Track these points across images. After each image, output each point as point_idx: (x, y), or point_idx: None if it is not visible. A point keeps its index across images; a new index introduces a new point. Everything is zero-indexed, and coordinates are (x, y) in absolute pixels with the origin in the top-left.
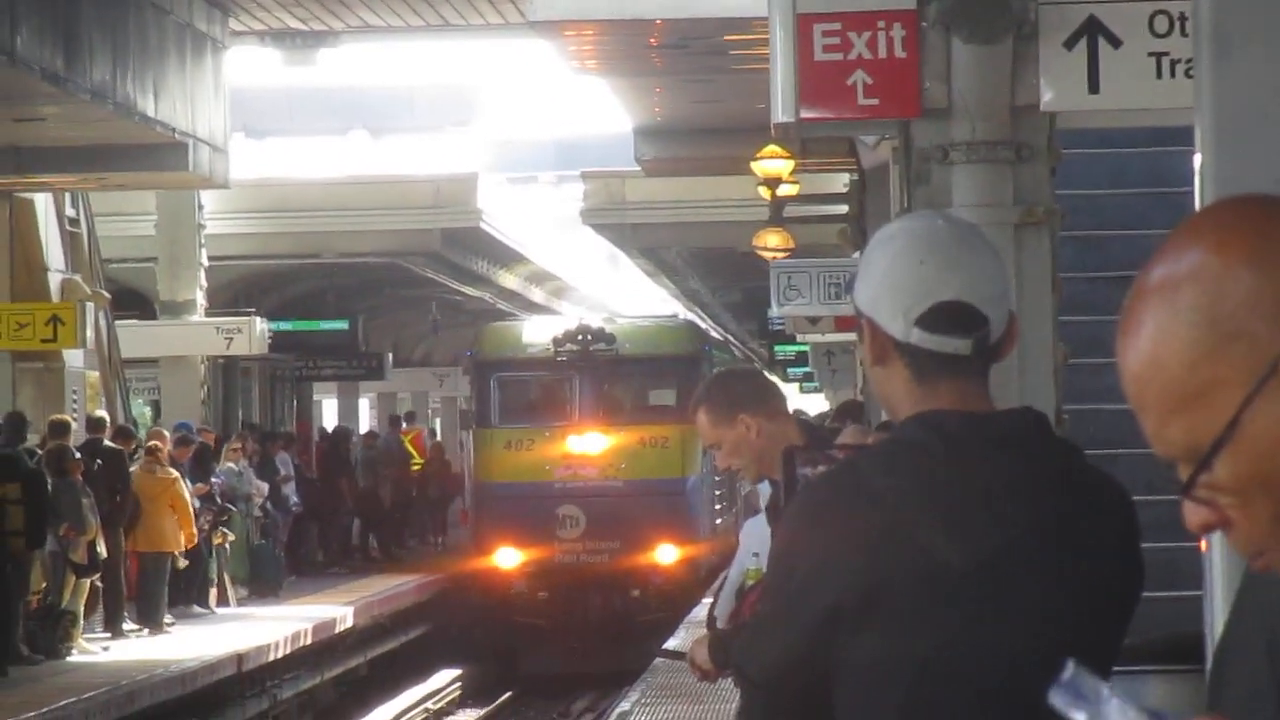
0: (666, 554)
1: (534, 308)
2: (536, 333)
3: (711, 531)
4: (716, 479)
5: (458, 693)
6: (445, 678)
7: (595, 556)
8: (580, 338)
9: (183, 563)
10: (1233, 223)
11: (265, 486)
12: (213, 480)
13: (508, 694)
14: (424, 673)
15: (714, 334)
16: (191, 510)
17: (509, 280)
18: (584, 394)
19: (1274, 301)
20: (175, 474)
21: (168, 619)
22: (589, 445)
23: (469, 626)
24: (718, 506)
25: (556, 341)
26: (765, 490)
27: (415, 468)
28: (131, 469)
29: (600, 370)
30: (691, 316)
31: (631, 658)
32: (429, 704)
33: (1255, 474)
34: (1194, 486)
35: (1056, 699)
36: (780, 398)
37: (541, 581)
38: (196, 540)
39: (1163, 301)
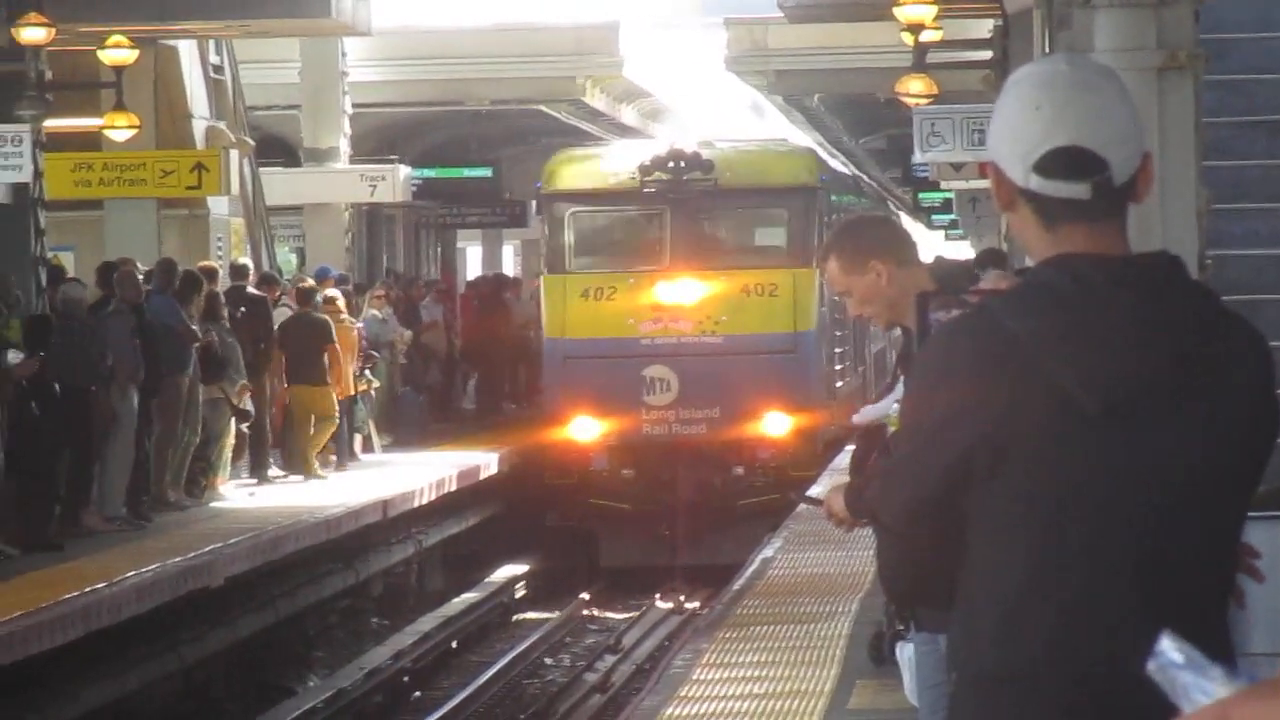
0: (776, 424)
1: None
2: (619, 160)
3: (831, 396)
4: (838, 334)
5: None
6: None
7: (689, 427)
8: (671, 165)
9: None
10: None
11: (409, 334)
12: (357, 326)
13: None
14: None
15: (840, 169)
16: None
17: (655, 129)
18: (676, 232)
19: None
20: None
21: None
22: (682, 294)
23: (540, 511)
24: (839, 367)
25: (643, 170)
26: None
27: None
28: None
29: (696, 204)
30: (809, 143)
31: (732, 548)
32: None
33: None
34: None
35: (1152, 669)
36: (912, 245)
37: (625, 457)
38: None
39: None
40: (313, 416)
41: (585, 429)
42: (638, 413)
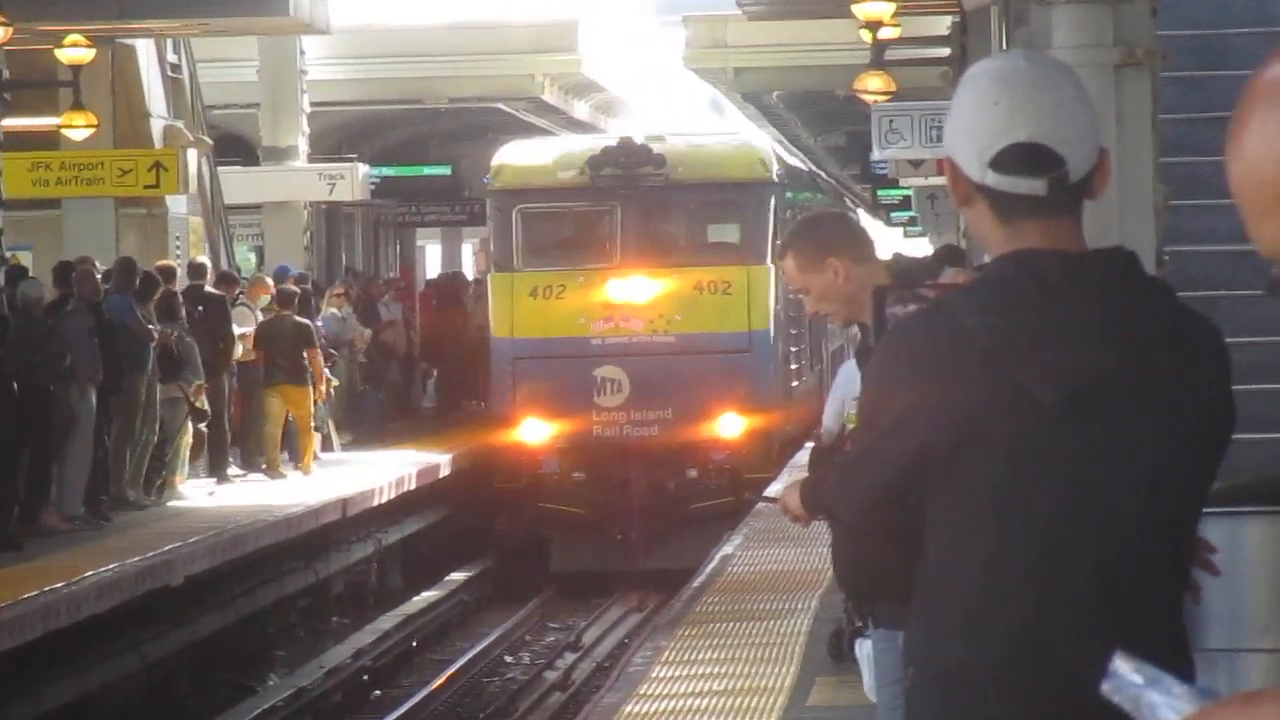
0: (730, 425)
1: None
2: (568, 153)
3: (786, 396)
4: (794, 332)
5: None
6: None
7: (641, 429)
8: (622, 159)
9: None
10: None
11: (368, 333)
12: (316, 324)
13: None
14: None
15: (797, 164)
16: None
17: (614, 125)
18: (627, 229)
19: None
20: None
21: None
22: (633, 292)
23: (490, 515)
24: (794, 366)
25: (593, 164)
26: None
27: None
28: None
29: (647, 199)
30: (768, 140)
31: (687, 553)
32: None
33: None
34: None
35: (1109, 691)
36: (869, 242)
37: (576, 460)
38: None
39: (1264, 104)
40: (288, 415)
41: (535, 431)
42: (589, 414)
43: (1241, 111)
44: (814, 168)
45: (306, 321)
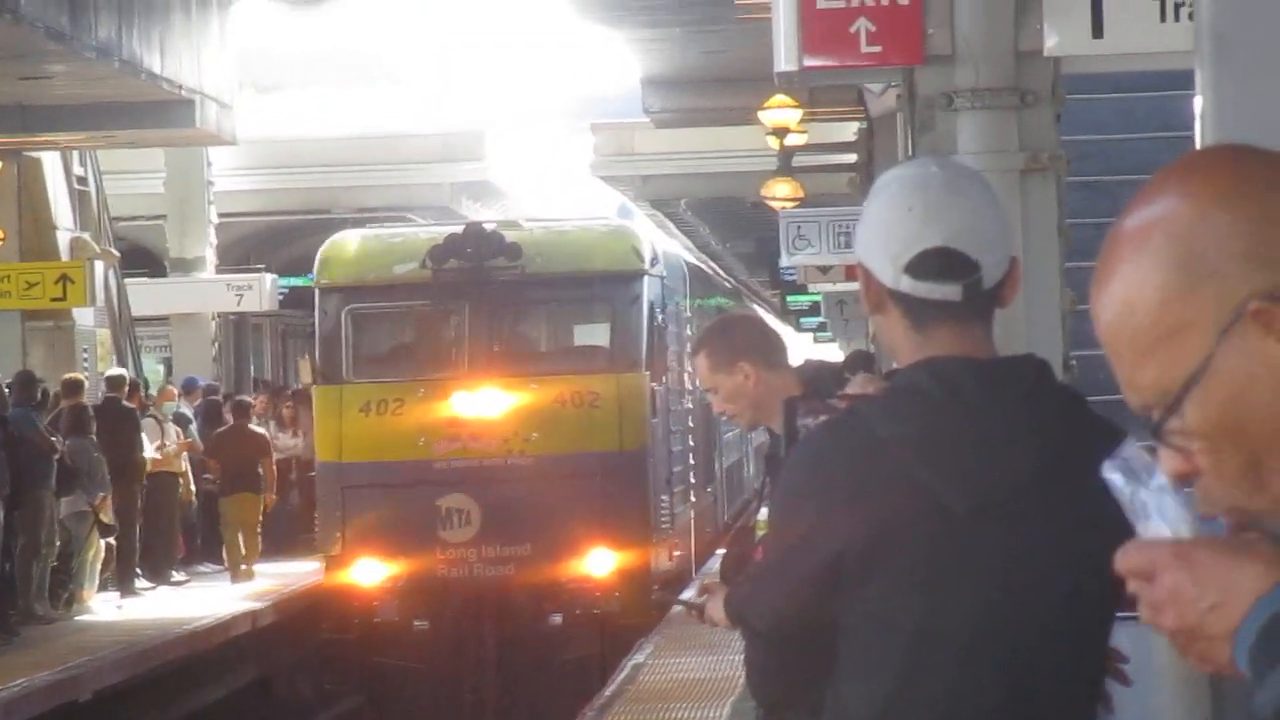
0: (600, 563)
1: None
2: (406, 243)
3: (668, 526)
4: (676, 450)
5: None
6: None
7: (495, 568)
8: (470, 250)
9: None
10: (1204, 167)
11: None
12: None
13: None
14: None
15: (690, 260)
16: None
17: None
18: (476, 331)
19: (1244, 242)
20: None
21: (180, 576)
22: (484, 406)
23: (315, 671)
24: (678, 489)
25: (434, 256)
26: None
27: None
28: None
29: (499, 296)
30: (676, 245)
31: (552, 713)
32: None
33: (1224, 419)
34: (1166, 432)
35: (1110, 471)
36: (782, 349)
37: (418, 606)
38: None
39: (1134, 246)
40: (242, 524)
41: (368, 572)
42: (432, 551)
43: (1108, 256)
44: (720, 271)
45: (262, 431)
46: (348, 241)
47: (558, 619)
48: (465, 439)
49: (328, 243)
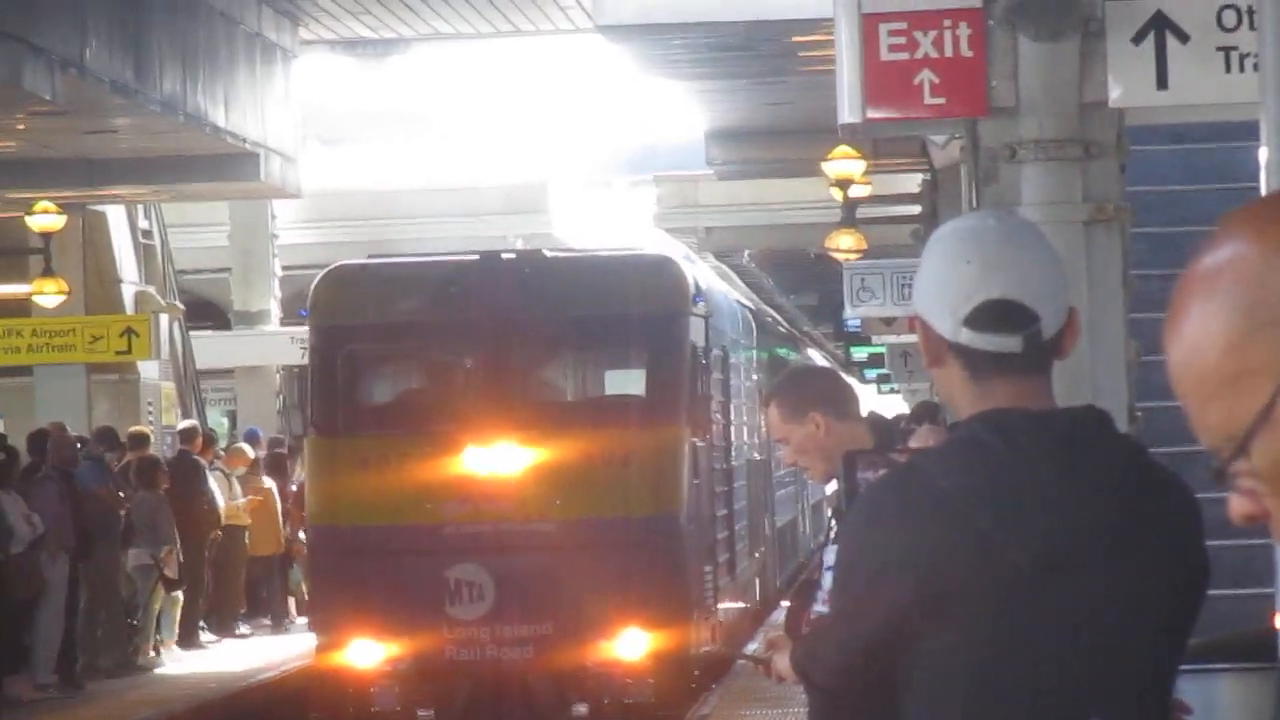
0: (632, 644)
1: None
2: (413, 276)
3: (711, 601)
4: (721, 514)
5: None
6: None
7: (512, 650)
8: (485, 284)
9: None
10: (1272, 214)
11: None
12: (292, 488)
13: None
14: None
15: (749, 305)
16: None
17: None
18: (492, 377)
19: None
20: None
21: (245, 629)
22: (499, 463)
23: None
24: (723, 558)
25: (446, 290)
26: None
27: None
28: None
29: (520, 337)
30: (682, 253)
31: None
32: None
33: None
34: (1232, 475)
35: None
36: (853, 399)
37: (422, 692)
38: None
39: (1203, 290)
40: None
41: (366, 653)
42: (439, 630)
43: (1179, 298)
44: (767, 307)
45: None
46: (346, 274)
47: (583, 709)
48: (478, 500)
49: (322, 275)
